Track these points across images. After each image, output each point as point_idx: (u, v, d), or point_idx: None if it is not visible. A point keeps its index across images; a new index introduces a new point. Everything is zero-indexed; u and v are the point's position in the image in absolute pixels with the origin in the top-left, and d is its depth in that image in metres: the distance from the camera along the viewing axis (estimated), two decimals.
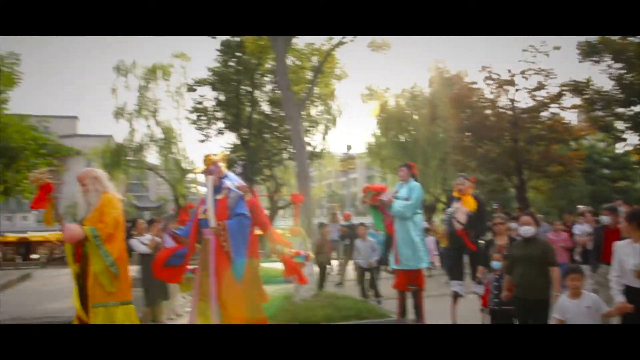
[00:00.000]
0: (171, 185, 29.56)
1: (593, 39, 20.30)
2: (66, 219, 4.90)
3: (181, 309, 9.04)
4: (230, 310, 4.96)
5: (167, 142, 27.89)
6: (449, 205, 8.05)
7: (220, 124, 24.67)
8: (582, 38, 20.85)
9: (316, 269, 10.70)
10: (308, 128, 24.27)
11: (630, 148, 23.08)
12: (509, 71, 21.34)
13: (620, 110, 21.18)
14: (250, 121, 23.93)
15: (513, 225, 7.92)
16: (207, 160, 5.37)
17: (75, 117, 57.45)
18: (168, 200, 42.19)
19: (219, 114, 24.56)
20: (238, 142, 24.13)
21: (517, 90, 21.51)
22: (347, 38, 12.80)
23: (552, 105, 21.26)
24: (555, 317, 4.86)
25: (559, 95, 21.00)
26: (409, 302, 7.68)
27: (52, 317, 8.13)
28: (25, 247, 37.64)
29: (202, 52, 72.32)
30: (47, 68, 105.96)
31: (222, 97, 24.08)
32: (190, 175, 28.76)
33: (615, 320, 5.33)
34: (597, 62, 20.74)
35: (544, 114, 21.63)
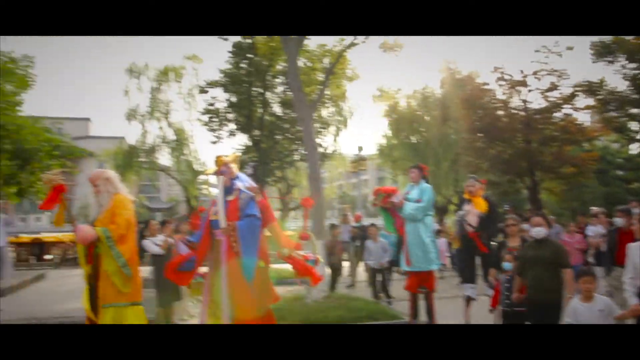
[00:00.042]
0: (183, 187, 29.70)
1: (607, 39, 20.15)
2: (79, 220, 4.93)
3: (193, 309, 9.07)
4: (240, 311, 4.96)
5: (179, 143, 28.02)
6: (461, 207, 8.02)
7: (232, 126, 24.73)
8: (596, 38, 20.72)
9: (328, 270, 10.70)
10: (319, 129, 24.27)
11: None
12: (522, 72, 21.21)
13: (635, 110, 20.99)
14: (262, 122, 23.95)
15: (525, 226, 7.88)
16: (219, 161, 5.37)
17: (87, 119, 57.93)
18: (180, 202, 42.37)
19: (230, 116, 24.62)
20: (250, 143, 24.17)
21: (529, 91, 21.37)
22: (359, 39, 12.80)
23: (565, 106, 21.09)
24: (567, 320, 4.83)
25: (572, 95, 20.83)
26: (422, 303, 7.67)
27: (66, 317, 8.18)
28: (39, 248, 37.98)
29: (213, 54, 72.57)
30: (59, 70, 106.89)
31: (233, 99, 24.14)
32: (201, 177, 28.88)
33: (629, 323, 5.28)
34: (611, 62, 20.57)
35: (557, 114, 21.46)
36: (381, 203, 7.64)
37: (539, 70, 20.79)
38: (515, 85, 21.37)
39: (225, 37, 22.69)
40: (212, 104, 24.89)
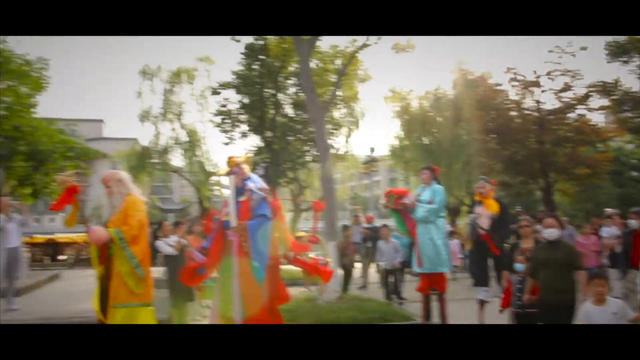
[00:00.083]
0: (195, 188, 29.81)
1: (621, 38, 19.97)
2: (91, 221, 4.95)
3: (207, 310, 9.10)
4: (251, 311, 4.97)
5: (192, 145, 28.13)
6: (473, 208, 7.98)
7: (244, 127, 24.77)
8: (610, 38, 20.54)
9: (340, 271, 10.70)
10: (331, 130, 24.25)
11: None
12: (535, 72, 21.12)
13: None
14: (274, 124, 23.98)
15: (539, 227, 7.83)
16: (231, 162, 5.38)
17: (100, 121, 58.36)
18: (192, 203, 42.57)
19: (242, 117, 24.66)
20: (262, 144, 24.21)
21: (543, 91, 21.26)
22: (371, 40, 12.78)
23: (579, 106, 20.96)
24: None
25: (587, 96, 20.70)
26: (435, 305, 7.64)
27: (81, 317, 8.24)
28: (53, 249, 38.33)
29: (226, 56, 72.86)
30: (72, 72, 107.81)
31: (246, 100, 24.18)
32: (214, 178, 28.98)
33: None
34: (626, 62, 20.39)
35: (571, 115, 21.33)
36: (393, 205, 7.62)
37: (553, 71, 20.69)
38: (529, 85, 21.27)
39: (237, 38, 22.85)
40: (224, 106, 24.96)
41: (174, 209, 49.57)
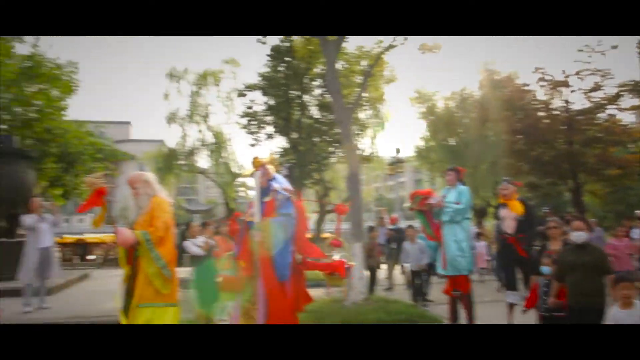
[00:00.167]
0: (221, 189, 30.09)
1: None
2: (119, 222, 5.00)
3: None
4: (275, 310, 4.98)
5: (218, 146, 28.41)
6: (497, 212, 7.90)
7: (270, 128, 24.93)
8: None
9: (366, 272, 10.69)
10: (357, 132, 24.24)
11: None
12: (564, 72, 20.79)
13: None
14: (300, 125, 24.07)
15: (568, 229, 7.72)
16: (256, 162, 5.40)
17: (128, 123, 59.21)
18: (218, 204, 42.90)
19: (268, 119, 24.82)
20: (287, 146, 24.32)
21: (572, 91, 20.93)
22: (398, 41, 12.74)
23: (610, 106, 20.57)
24: None
25: (617, 96, 20.29)
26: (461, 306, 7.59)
27: (112, 316, 8.37)
28: (82, 248, 39.07)
29: (252, 58, 73.35)
30: (100, 74, 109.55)
31: (272, 102, 24.33)
32: (239, 179, 29.19)
33: None
34: None
35: (601, 115, 20.95)
36: (418, 206, 7.58)
37: (582, 70, 20.34)
38: (557, 85, 20.95)
39: (263, 40, 23.00)
40: (250, 107, 25.16)
41: (200, 210, 49.99)
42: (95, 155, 21.29)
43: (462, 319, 7.53)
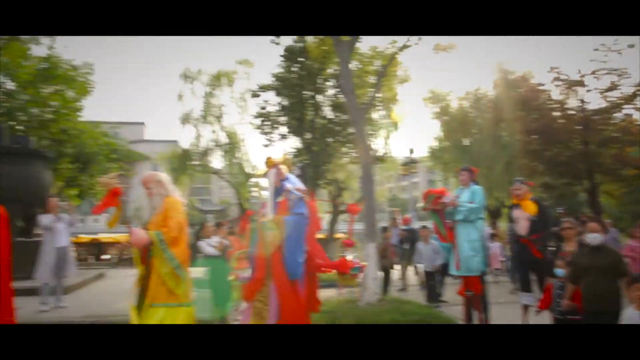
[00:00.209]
0: (234, 189, 30.18)
1: None
2: (133, 222, 5.02)
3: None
4: (287, 310, 4.99)
5: (231, 146, 28.51)
6: (511, 213, 7.85)
7: (284, 129, 24.94)
8: None
9: (380, 273, 10.68)
10: (370, 132, 24.20)
11: None
12: (579, 71, 20.60)
13: None
14: (313, 125, 24.06)
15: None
16: (269, 162, 5.42)
17: (142, 123, 59.57)
18: (231, 204, 43.03)
19: (282, 119, 24.83)
20: (301, 146, 24.33)
21: (588, 91, 20.73)
22: (412, 41, 12.71)
23: (626, 106, 20.33)
24: None
25: (634, 95, 20.05)
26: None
27: (125, 315, 8.44)
28: (97, 248, 39.42)
29: (265, 59, 73.54)
30: (114, 75, 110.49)
31: (285, 102, 24.35)
32: (253, 179, 29.27)
33: None
34: None
35: (617, 115, 20.73)
36: (432, 205, 7.55)
37: (598, 70, 20.13)
38: (573, 85, 20.76)
39: (277, 41, 23.03)
40: (264, 108, 25.19)
41: (213, 210, 50.18)
42: (110, 155, 21.49)
43: (477, 320, 7.50)
